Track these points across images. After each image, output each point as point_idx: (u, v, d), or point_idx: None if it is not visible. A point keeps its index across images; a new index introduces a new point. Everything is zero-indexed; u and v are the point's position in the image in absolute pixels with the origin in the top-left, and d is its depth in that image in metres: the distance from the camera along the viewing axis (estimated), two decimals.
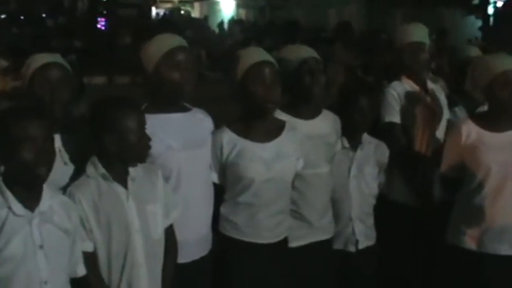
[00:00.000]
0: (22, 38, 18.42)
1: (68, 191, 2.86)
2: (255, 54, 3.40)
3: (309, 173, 3.58)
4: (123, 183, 2.91)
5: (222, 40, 21.07)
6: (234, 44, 17.67)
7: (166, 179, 3.13)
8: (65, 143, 3.05)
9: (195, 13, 34.23)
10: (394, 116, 4.10)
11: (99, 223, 2.85)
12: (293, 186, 3.53)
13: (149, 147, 2.93)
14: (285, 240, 3.51)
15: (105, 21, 24.55)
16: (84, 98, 4.40)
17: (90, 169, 2.90)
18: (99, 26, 24.21)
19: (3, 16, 25.83)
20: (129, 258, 2.89)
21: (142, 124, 2.91)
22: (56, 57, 3.18)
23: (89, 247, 2.84)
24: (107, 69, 16.74)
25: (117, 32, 19.98)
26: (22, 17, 25.31)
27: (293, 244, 3.55)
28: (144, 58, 3.26)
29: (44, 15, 26.59)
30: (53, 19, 25.54)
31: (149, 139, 2.91)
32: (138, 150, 2.91)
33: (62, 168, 2.96)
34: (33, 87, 3.08)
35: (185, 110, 3.34)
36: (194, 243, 3.27)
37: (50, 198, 2.66)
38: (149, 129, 2.94)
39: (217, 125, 3.46)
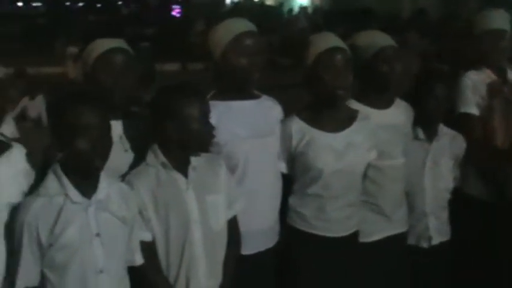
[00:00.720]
0: (98, 26, 18.74)
1: (127, 179, 2.80)
2: (327, 40, 3.27)
3: (386, 164, 3.45)
4: (184, 172, 2.83)
5: (294, 27, 20.96)
6: (305, 31, 17.55)
7: (233, 168, 3.06)
8: (126, 130, 2.98)
9: (270, 1, 34.18)
10: (470, 106, 3.93)
11: (158, 213, 2.78)
12: (365, 177, 3.40)
13: (212, 136, 2.84)
14: (355, 234, 3.39)
15: (180, 8, 24.86)
16: (155, 85, 4.39)
17: (150, 157, 2.83)
18: (173, 13, 24.52)
19: (80, 4, 26.41)
20: (187, 249, 2.80)
21: (206, 112, 2.82)
22: (120, 42, 3.07)
23: (147, 237, 2.78)
24: (181, 56, 16.91)
25: (191, 19, 20.14)
26: (99, 5, 25.81)
27: (367, 239, 3.44)
28: (211, 43, 3.17)
29: (119, 2, 27.08)
30: (128, 7, 25.99)
31: (213, 127, 2.83)
32: (201, 138, 2.82)
33: (122, 155, 2.90)
34: (96, 73, 2.99)
35: (254, 97, 3.25)
36: (260, 234, 3.19)
37: (107, 186, 2.61)
38: (216, 117, 2.87)
39: (288, 113, 3.36)
